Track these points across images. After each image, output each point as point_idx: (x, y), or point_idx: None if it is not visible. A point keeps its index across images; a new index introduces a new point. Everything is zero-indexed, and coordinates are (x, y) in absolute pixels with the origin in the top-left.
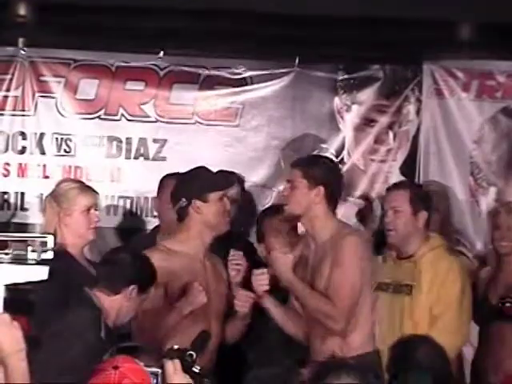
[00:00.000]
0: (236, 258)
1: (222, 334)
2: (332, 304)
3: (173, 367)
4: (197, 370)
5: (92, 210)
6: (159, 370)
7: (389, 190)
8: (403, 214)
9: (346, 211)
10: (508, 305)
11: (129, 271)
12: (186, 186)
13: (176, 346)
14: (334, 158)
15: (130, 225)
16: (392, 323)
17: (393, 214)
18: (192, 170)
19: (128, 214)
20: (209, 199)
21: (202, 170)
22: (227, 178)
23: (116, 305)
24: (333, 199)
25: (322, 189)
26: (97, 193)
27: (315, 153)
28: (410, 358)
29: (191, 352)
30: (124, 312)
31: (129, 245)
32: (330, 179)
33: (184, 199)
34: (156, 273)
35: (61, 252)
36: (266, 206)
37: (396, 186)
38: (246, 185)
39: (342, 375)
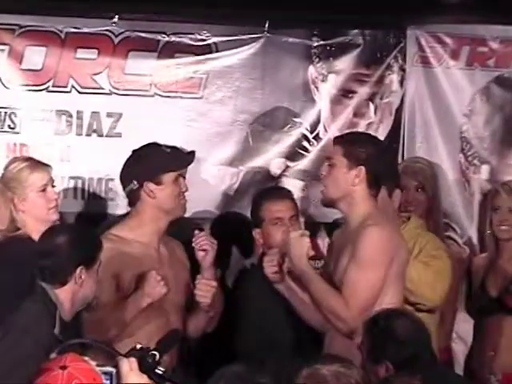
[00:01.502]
0: (201, 238)
1: (183, 328)
2: (344, 304)
3: (128, 366)
4: (160, 372)
5: (49, 188)
6: (113, 370)
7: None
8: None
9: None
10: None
11: (69, 255)
12: (137, 167)
13: (139, 346)
14: (309, 134)
15: (82, 209)
16: None
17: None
18: (143, 148)
19: (79, 196)
20: (163, 181)
21: (153, 148)
22: (183, 157)
23: (68, 295)
24: (375, 183)
25: (362, 169)
26: (49, 166)
27: (354, 130)
28: (385, 330)
29: (153, 352)
30: (80, 298)
31: (55, 226)
32: (374, 159)
33: (135, 182)
34: (99, 239)
35: (23, 238)
36: (233, 186)
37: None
38: (211, 163)
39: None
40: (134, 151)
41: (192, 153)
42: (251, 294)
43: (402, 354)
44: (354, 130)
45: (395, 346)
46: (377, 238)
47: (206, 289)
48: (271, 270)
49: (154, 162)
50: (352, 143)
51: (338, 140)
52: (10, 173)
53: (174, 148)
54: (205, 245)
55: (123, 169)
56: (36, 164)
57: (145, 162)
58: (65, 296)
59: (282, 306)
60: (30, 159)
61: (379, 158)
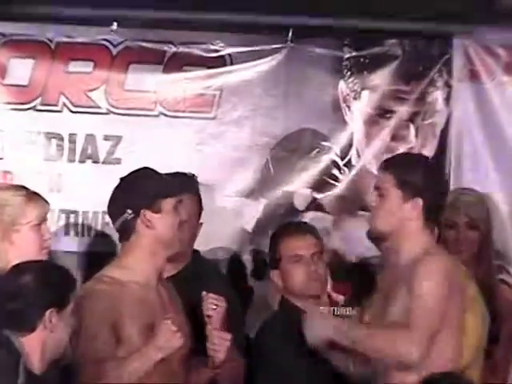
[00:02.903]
0: (205, 302)
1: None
2: (405, 327)
3: None
4: None
5: (43, 225)
6: None
7: None
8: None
9: (355, 228)
10: None
11: (36, 296)
12: (130, 194)
13: None
14: (339, 160)
15: (75, 247)
16: None
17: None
18: (133, 173)
19: (72, 233)
20: (162, 209)
21: (146, 172)
22: (181, 181)
23: (38, 342)
24: (432, 214)
25: (420, 201)
26: (47, 202)
27: (401, 152)
28: None
29: None
30: (51, 346)
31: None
32: (432, 188)
33: (129, 211)
34: (71, 275)
35: None
36: (251, 219)
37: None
38: (225, 194)
39: None
40: (122, 178)
41: (192, 176)
42: (271, 348)
43: None
44: (411, 153)
45: None
46: (438, 264)
47: (219, 342)
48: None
49: (150, 188)
50: (405, 170)
51: (387, 166)
52: (1, 198)
53: (171, 173)
54: (208, 310)
55: (112, 199)
56: (33, 195)
57: (139, 187)
58: (34, 344)
59: (307, 363)
60: (25, 188)
61: (438, 186)
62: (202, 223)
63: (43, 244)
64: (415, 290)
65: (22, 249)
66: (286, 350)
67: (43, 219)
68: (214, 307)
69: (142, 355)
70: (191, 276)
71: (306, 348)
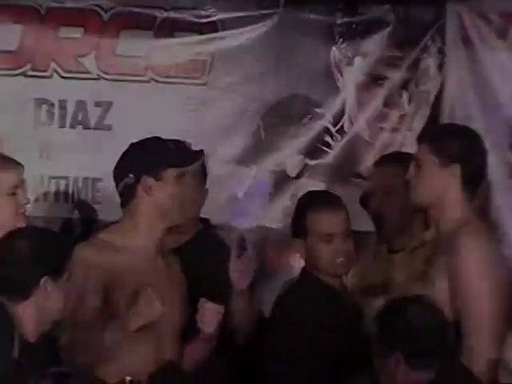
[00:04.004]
0: (239, 260)
1: (180, 358)
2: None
3: None
4: None
5: (18, 191)
6: None
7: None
8: None
9: (347, 195)
10: None
11: (31, 262)
12: (135, 159)
13: (128, 378)
14: (331, 127)
15: (65, 214)
16: None
17: None
18: (143, 140)
19: (62, 199)
20: (163, 177)
21: (155, 141)
22: (189, 153)
23: (32, 310)
24: (471, 182)
25: (457, 167)
26: (21, 165)
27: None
28: (398, 316)
29: None
30: (46, 314)
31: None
32: (469, 154)
33: (131, 175)
34: (67, 241)
35: None
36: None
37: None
38: (216, 161)
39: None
40: (132, 144)
41: (200, 151)
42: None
43: (416, 344)
44: (448, 123)
45: (408, 335)
46: (473, 250)
47: (209, 314)
48: None
49: (154, 155)
50: (442, 137)
51: (423, 136)
52: None
53: (179, 143)
54: (243, 267)
55: (118, 163)
56: (5, 160)
57: (144, 153)
58: (28, 312)
59: (326, 339)
60: None
61: (476, 154)
62: (207, 189)
63: (19, 211)
64: (464, 292)
65: None
66: (305, 324)
67: (17, 185)
68: (251, 265)
69: (121, 322)
70: (198, 246)
71: (327, 324)
